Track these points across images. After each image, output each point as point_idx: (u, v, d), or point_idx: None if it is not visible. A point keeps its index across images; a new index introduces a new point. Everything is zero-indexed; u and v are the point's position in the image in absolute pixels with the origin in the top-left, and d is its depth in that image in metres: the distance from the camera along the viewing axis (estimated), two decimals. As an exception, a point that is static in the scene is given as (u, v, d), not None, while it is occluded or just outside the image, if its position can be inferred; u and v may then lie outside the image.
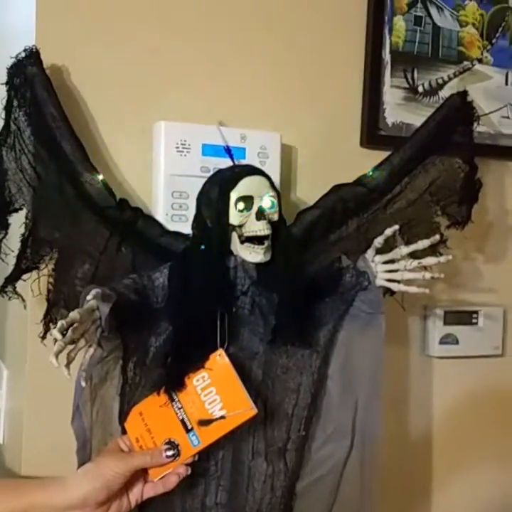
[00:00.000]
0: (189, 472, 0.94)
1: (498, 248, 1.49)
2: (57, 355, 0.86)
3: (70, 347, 0.90)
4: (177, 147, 1.15)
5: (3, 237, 1.08)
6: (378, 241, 1.12)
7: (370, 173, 1.22)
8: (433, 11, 1.40)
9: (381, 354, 1.13)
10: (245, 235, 1.03)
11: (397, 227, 1.12)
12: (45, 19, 1.13)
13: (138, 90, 1.19)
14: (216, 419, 0.94)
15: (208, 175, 1.09)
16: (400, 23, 1.37)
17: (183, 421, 0.95)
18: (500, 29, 1.47)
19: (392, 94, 1.36)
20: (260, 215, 1.02)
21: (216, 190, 1.04)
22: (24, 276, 1.08)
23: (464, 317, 1.44)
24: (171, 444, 0.94)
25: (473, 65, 1.44)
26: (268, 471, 1.05)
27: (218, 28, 1.24)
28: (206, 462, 1.02)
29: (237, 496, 1.04)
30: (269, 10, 1.28)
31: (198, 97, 1.22)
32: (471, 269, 1.46)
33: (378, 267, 1.12)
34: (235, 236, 1.04)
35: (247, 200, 1.02)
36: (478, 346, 1.47)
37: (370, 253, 1.13)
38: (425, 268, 1.12)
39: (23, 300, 1.10)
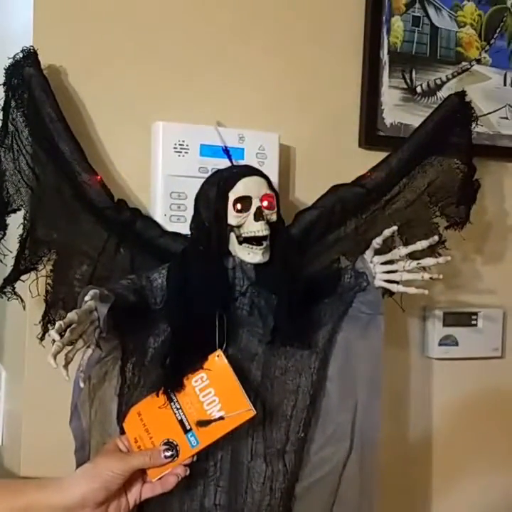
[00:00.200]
0: (187, 473, 0.94)
1: (497, 249, 1.49)
2: (55, 356, 0.86)
3: (68, 348, 0.90)
4: (175, 148, 1.15)
5: (1, 238, 1.08)
6: (377, 242, 1.12)
7: (369, 174, 1.21)
8: (431, 11, 1.40)
9: (380, 355, 1.13)
10: (244, 235, 1.03)
11: (395, 228, 1.12)
12: (43, 20, 1.13)
13: (136, 91, 1.19)
14: (215, 420, 0.94)
15: (207, 175, 1.09)
16: (397, 23, 1.37)
17: (181, 421, 0.95)
18: (498, 30, 1.47)
19: (390, 94, 1.36)
20: (259, 215, 1.02)
21: (214, 190, 1.03)
22: (23, 277, 1.08)
23: (464, 318, 1.44)
24: (170, 445, 0.94)
25: (471, 66, 1.44)
26: (267, 473, 1.05)
27: (216, 28, 1.24)
28: (205, 463, 1.02)
29: (235, 498, 1.04)
30: (267, 10, 1.28)
31: (196, 97, 1.22)
32: (470, 270, 1.46)
33: (377, 268, 1.12)
34: (233, 237, 1.04)
35: (246, 200, 1.02)
36: (478, 348, 1.46)
37: (368, 254, 1.13)
38: (424, 269, 1.12)
39: (22, 301, 1.09)
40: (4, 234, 1.08)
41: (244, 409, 0.94)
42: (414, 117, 1.36)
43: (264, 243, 1.03)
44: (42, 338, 1.07)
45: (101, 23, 1.17)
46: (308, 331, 1.09)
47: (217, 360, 0.98)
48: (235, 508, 1.04)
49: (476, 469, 1.48)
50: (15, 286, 1.08)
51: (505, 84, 1.47)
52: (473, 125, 1.27)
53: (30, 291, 1.08)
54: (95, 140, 1.16)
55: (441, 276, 1.12)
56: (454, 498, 1.47)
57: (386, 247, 1.14)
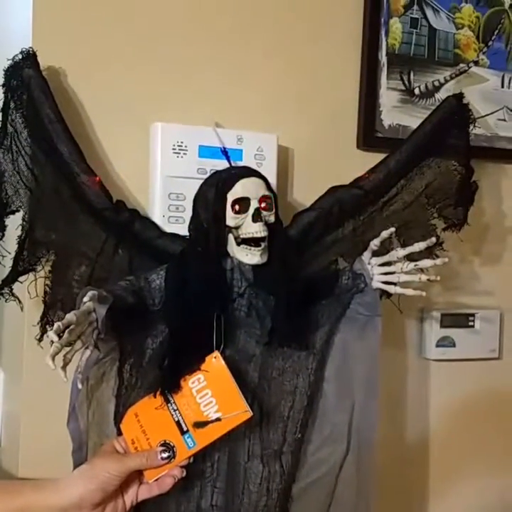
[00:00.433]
0: (184, 474, 0.94)
1: (495, 251, 1.49)
2: (53, 357, 0.86)
3: (67, 349, 0.90)
4: (174, 149, 1.16)
5: (0, 239, 1.08)
6: (374, 243, 1.12)
7: (367, 176, 1.22)
8: (429, 13, 1.40)
9: (377, 356, 1.13)
10: (242, 236, 1.03)
11: (393, 229, 1.13)
12: (42, 21, 1.13)
13: (134, 92, 1.19)
14: (211, 422, 0.94)
15: (205, 177, 1.09)
16: (396, 25, 1.37)
17: (178, 423, 0.95)
18: (496, 31, 1.47)
19: (388, 96, 1.37)
20: (257, 216, 1.02)
21: (213, 191, 1.04)
22: (21, 279, 1.08)
23: (461, 320, 1.44)
24: (167, 446, 0.94)
25: (469, 68, 1.44)
26: (264, 474, 1.05)
27: (214, 30, 1.24)
28: (202, 464, 1.02)
29: (232, 499, 1.04)
30: (266, 12, 1.28)
31: (194, 98, 1.23)
32: (468, 271, 1.46)
33: (375, 270, 1.12)
34: (231, 238, 1.04)
35: (244, 201, 1.02)
36: (475, 349, 1.47)
37: (366, 255, 1.13)
38: (422, 270, 1.12)
39: (20, 302, 1.09)
40: (3, 235, 1.08)
41: (241, 411, 0.94)
42: (412, 119, 1.37)
43: (263, 244, 1.03)
44: (40, 339, 1.07)
45: (100, 25, 1.17)
46: (306, 332, 1.10)
47: (215, 361, 0.98)
48: (231, 509, 1.04)
49: (472, 471, 1.49)
50: (13, 287, 1.08)
51: (502, 86, 1.48)
52: (471, 127, 1.28)
53: (28, 292, 1.09)
54: (94, 141, 1.16)
55: (438, 278, 1.12)
56: (451, 500, 1.47)
57: (384, 249, 1.14)
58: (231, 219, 1.02)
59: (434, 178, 1.23)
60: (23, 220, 1.07)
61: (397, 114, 1.37)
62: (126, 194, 1.18)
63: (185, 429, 0.95)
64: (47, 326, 1.07)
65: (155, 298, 1.06)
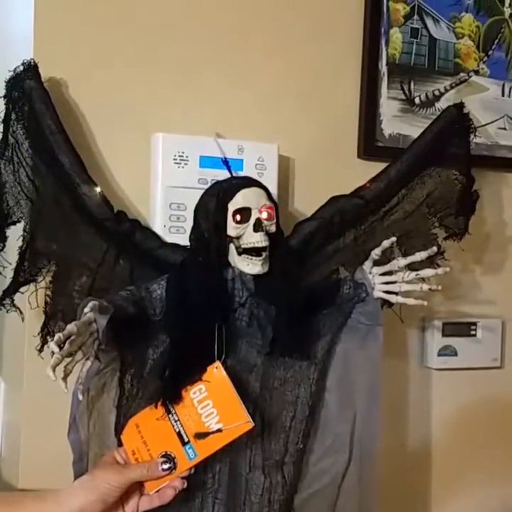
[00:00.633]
0: (185, 485, 0.93)
1: (496, 259, 1.49)
2: (54, 368, 0.86)
3: (67, 360, 0.90)
4: (175, 159, 1.16)
5: (1, 250, 1.08)
6: (376, 253, 1.12)
7: (368, 185, 1.22)
8: (429, 23, 1.41)
9: (379, 366, 1.13)
10: (243, 246, 1.03)
11: (394, 239, 1.13)
12: (43, 33, 1.14)
13: (135, 103, 1.19)
14: (213, 433, 0.94)
15: (206, 187, 1.09)
16: (396, 35, 1.38)
17: (179, 434, 0.95)
18: (496, 41, 1.47)
19: (388, 105, 1.37)
20: (258, 226, 1.02)
21: (214, 201, 1.04)
22: (22, 289, 1.08)
23: (463, 329, 1.44)
24: (168, 457, 0.94)
25: (469, 77, 1.45)
26: (265, 485, 1.05)
27: (215, 41, 1.25)
28: (203, 475, 1.02)
29: (234, 510, 1.04)
30: (266, 21, 1.29)
31: (195, 109, 1.23)
32: (469, 280, 1.46)
33: (376, 279, 1.12)
34: (232, 248, 1.04)
35: (245, 211, 1.02)
36: (477, 358, 1.46)
37: (367, 265, 1.13)
38: (423, 280, 1.12)
39: (21, 313, 1.09)
40: (4, 246, 1.08)
41: (242, 422, 0.94)
42: (412, 128, 1.37)
43: (264, 254, 1.03)
44: (41, 350, 1.07)
45: (101, 36, 1.18)
46: (307, 342, 1.09)
47: (216, 371, 0.98)
48: (233, 520, 1.04)
49: (475, 480, 1.48)
50: (14, 297, 1.08)
51: (503, 95, 1.48)
52: (472, 136, 1.28)
53: (29, 303, 1.09)
54: (95, 152, 1.17)
55: (440, 288, 1.12)
56: (453, 509, 1.46)
57: (385, 258, 1.14)
58: (232, 229, 1.02)
59: (435, 188, 1.23)
60: (24, 230, 1.07)
61: (398, 123, 1.38)
62: (127, 204, 1.18)
63: (186, 440, 0.94)
64: (47, 337, 1.07)
65: (156, 308, 1.06)
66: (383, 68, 1.36)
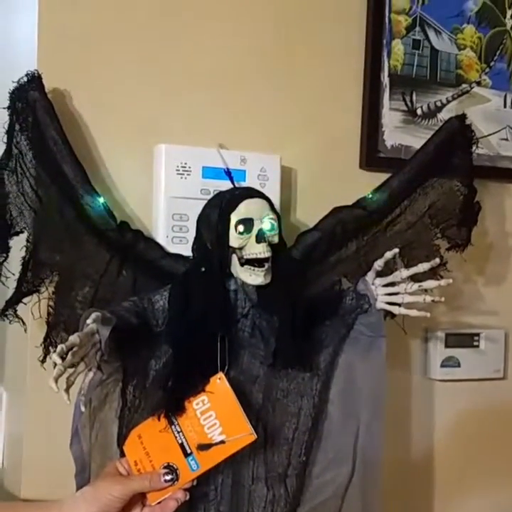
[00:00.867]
0: (188, 497, 0.93)
1: (499, 270, 1.49)
2: (56, 380, 0.86)
3: (70, 371, 0.90)
4: (177, 170, 1.16)
5: (4, 261, 1.08)
6: (378, 264, 1.12)
7: (370, 196, 1.22)
8: (431, 34, 1.41)
9: (382, 377, 1.13)
10: (245, 257, 1.03)
11: (397, 250, 1.12)
12: (47, 44, 1.14)
13: (138, 114, 1.20)
14: (215, 444, 0.93)
15: (208, 197, 1.10)
16: (398, 46, 1.38)
17: (182, 445, 0.94)
18: (498, 52, 1.48)
19: (390, 116, 1.37)
20: (260, 237, 1.02)
21: (216, 212, 1.04)
22: (25, 300, 1.08)
23: (466, 340, 1.44)
24: (170, 468, 0.93)
25: (471, 88, 1.45)
26: (268, 497, 1.04)
27: (218, 51, 1.25)
28: (205, 487, 1.01)
29: (237, 522, 1.03)
30: (268, 33, 1.29)
31: (198, 120, 1.23)
32: (472, 291, 1.46)
33: (379, 290, 1.11)
34: (235, 258, 1.04)
35: (247, 222, 1.02)
36: (480, 369, 1.46)
37: (370, 276, 1.13)
38: (426, 291, 1.12)
39: (24, 323, 1.09)
40: (7, 256, 1.08)
41: (245, 434, 0.93)
42: (414, 139, 1.37)
43: (266, 265, 1.03)
44: (43, 360, 1.07)
45: (104, 48, 1.18)
46: (310, 353, 1.09)
47: (219, 383, 0.97)
48: (236, 532, 1.03)
49: (478, 491, 1.47)
50: (17, 308, 1.08)
51: (505, 106, 1.48)
52: (474, 147, 1.28)
53: (32, 314, 1.08)
54: (98, 163, 1.17)
55: (443, 299, 1.12)
56: (457, 519, 1.46)
57: (388, 269, 1.14)
58: (235, 239, 1.02)
59: (437, 199, 1.24)
60: (27, 241, 1.07)
61: (400, 134, 1.38)
62: (130, 215, 1.18)
63: (188, 451, 0.94)
64: (50, 347, 1.07)
65: (158, 319, 1.06)
66: (385, 79, 1.37)
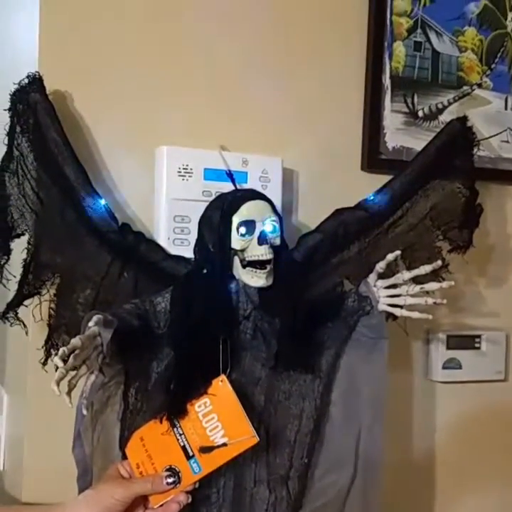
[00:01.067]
0: (190, 500, 0.93)
1: (500, 272, 1.49)
2: (58, 383, 0.85)
3: (72, 374, 0.89)
4: (179, 172, 1.16)
5: (5, 263, 1.08)
6: (380, 266, 1.12)
7: (372, 198, 1.22)
8: (432, 36, 1.41)
9: (384, 379, 1.13)
10: (247, 259, 1.03)
11: (399, 252, 1.12)
12: (48, 46, 1.14)
13: (140, 116, 1.19)
14: (218, 447, 0.93)
15: (210, 199, 1.10)
16: (399, 48, 1.38)
17: (184, 447, 0.94)
18: (499, 54, 1.48)
19: (392, 118, 1.37)
20: (262, 239, 1.02)
21: (218, 214, 1.04)
22: (26, 302, 1.08)
23: (467, 341, 1.44)
24: (172, 471, 0.93)
25: (472, 90, 1.45)
26: (270, 499, 1.04)
27: (219, 53, 1.25)
28: (207, 489, 1.01)
29: (239, 525, 1.03)
30: (270, 35, 1.29)
31: (199, 122, 1.23)
32: (474, 293, 1.46)
33: (380, 292, 1.11)
34: (237, 260, 1.04)
35: (249, 224, 1.02)
36: (481, 371, 1.46)
37: (372, 278, 1.13)
38: (427, 293, 1.12)
39: (25, 326, 1.09)
40: (8, 258, 1.08)
41: (247, 436, 0.93)
42: (416, 141, 1.37)
43: (268, 267, 1.03)
44: (44, 363, 1.07)
45: (105, 49, 1.18)
46: (312, 355, 1.09)
47: (221, 385, 0.97)
48: (238, 535, 1.03)
49: (480, 492, 1.47)
50: (18, 310, 1.08)
51: (506, 109, 1.49)
52: (475, 149, 1.28)
53: (33, 316, 1.08)
54: (100, 164, 1.17)
55: (445, 301, 1.12)
56: (459, 521, 1.46)
57: (389, 271, 1.14)
58: (236, 241, 1.02)
59: (438, 201, 1.24)
60: (29, 243, 1.07)
61: (401, 136, 1.38)
62: (131, 217, 1.18)
63: (191, 454, 0.93)
64: (51, 350, 1.07)
65: (160, 321, 1.05)
66: (387, 81, 1.37)
